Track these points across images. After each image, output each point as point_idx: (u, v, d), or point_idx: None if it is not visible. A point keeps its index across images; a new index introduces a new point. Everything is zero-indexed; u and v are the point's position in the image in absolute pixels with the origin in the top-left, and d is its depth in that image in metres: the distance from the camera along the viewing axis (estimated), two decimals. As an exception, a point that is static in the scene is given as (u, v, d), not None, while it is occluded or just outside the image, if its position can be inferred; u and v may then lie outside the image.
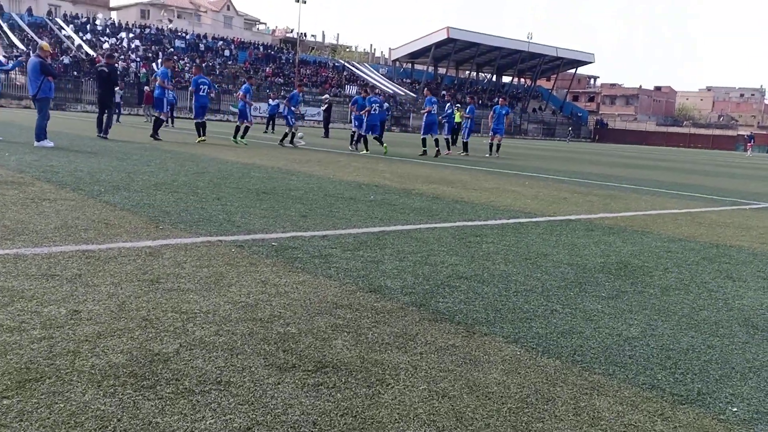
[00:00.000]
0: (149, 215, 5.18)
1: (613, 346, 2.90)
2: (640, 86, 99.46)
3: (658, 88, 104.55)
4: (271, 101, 30.24)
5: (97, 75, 14.92)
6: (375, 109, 17.58)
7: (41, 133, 11.03)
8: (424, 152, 17.76)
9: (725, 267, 4.84)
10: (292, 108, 19.26)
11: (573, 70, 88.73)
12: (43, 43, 11.84)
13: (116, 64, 15.97)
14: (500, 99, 22.50)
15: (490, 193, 9.01)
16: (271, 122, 28.78)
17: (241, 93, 17.63)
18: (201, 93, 16.17)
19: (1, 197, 5.60)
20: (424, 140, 18.05)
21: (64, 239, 4.16)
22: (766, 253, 5.58)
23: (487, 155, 20.38)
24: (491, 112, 21.09)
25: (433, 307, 3.26)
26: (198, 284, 3.37)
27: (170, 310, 2.96)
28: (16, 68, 11.89)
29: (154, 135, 15.49)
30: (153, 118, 16.08)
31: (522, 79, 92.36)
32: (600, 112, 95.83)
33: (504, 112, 20.85)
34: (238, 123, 17.34)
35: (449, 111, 21.44)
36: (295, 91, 18.82)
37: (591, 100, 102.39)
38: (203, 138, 16.01)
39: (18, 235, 4.22)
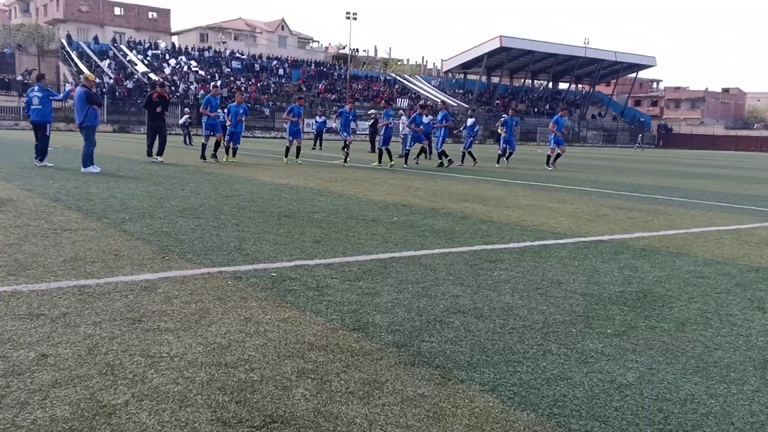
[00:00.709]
0: (162, 244, 5.20)
1: (600, 395, 2.65)
2: (707, 88, 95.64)
3: (726, 90, 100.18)
4: (318, 118, 30.46)
5: (149, 104, 15.06)
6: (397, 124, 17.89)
7: (87, 160, 11.44)
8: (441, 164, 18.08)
9: (759, 295, 4.45)
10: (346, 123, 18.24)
11: (633, 75, 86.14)
12: (88, 74, 12.33)
13: (167, 96, 15.69)
14: (510, 110, 21.92)
15: (524, 210, 8.72)
16: (318, 139, 29.00)
17: (284, 114, 17.60)
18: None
19: (26, 228, 5.76)
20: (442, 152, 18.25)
21: (68, 273, 4.20)
22: (813, 276, 5.12)
23: (497, 165, 20.04)
24: (498, 123, 20.20)
25: (414, 348, 3.08)
26: (179, 323, 3.31)
27: (138, 353, 2.89)
28: (68, 98, 12.41)
29: (213, 155, 16.04)
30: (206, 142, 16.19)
31: (580, 85, 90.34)
32: (664, 117, 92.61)
33: (514, 122, 20.09)
34: (287, 143, 17.37)
35: (470, 124, 21.46)
36: (345, 107, 18.18)
37: (654, 104, 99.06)
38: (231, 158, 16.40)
39: (25, 269, 4.29)
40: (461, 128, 26.07)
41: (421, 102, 21.10)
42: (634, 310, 3.92)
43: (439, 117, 19.74)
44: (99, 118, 12.06)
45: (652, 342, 3.34)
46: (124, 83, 50.32)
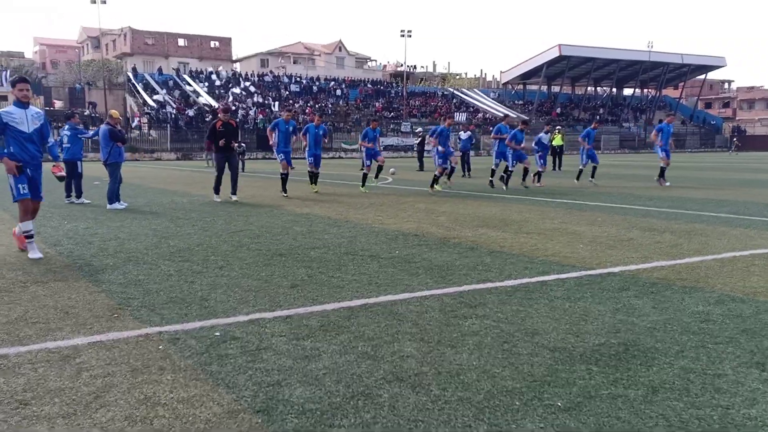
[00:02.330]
0: (123, 297, 4.99)
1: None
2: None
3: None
4: (365, 140, 30.48)
5: (213, 134, 12.69)
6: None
7: (113, 197, 11.59)
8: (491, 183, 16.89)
9: (765, 345, 3.86)
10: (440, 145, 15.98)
11: (702, 77, 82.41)
12: (113, 111, 12.52)
13: (234, 123, 13.15)
14: (594, 122, 20.48)
15: (543, 236, 8.19)
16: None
17: (360, 140, 16.45)
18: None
19: None
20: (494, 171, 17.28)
21: (-2, 338, 4.00)
22: (844, 317, 4.44)
23: (576, 182, 18.36)
24: (509, 138, 16.64)
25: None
26: (67, 406, 3.01)
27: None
28: (96, 136, 12.29)
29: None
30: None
31: (645, 90, 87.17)
32: (737, 119, 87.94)
33: (521, 137, 16.72)
34: (364, 170, 16.04)
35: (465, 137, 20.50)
36: (442, 125, 15.66)
37: (726, 105, 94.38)
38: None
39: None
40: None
41: (525, 118, 19.33)
42: (605, 370, 3.44)
43: (493, 130, 17.93)
44: (123, 155, 12.18)
45: (605, 420, 2.86)
46: (186, 112, 52.16)
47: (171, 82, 59.06)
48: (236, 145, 12.88)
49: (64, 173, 7.81)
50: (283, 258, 6.56)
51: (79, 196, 12.66)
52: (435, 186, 15.24)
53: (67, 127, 12.79)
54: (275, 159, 15.49)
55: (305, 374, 3.37)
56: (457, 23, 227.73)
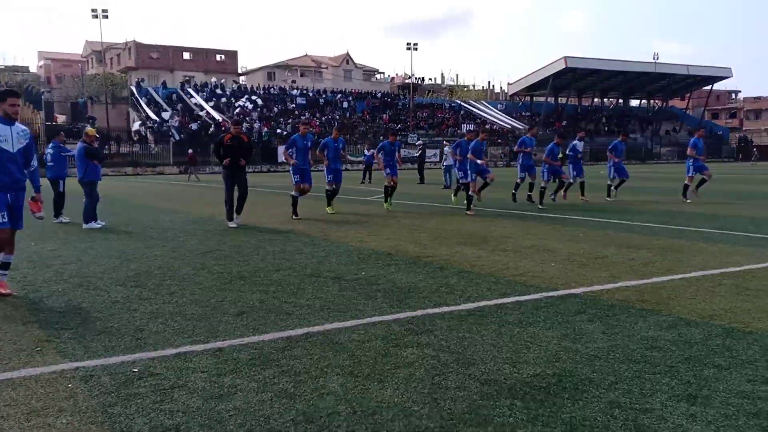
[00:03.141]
0: (55, 328, 4.81)
1: None
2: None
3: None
4: (366, 151, 30.52)
5: (221, 150, 11.26)
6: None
7: (89, 216, 11.41)
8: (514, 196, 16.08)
9: (704, 375, 3.78)
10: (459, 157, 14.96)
11: (708, 87, 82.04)
12: (89, 129, 12.27)
13: (245, 137, 11.73)
14: (622, 134, 19.07)
15: (518, 254, 8.12)
16: (367, 172, 28.98)
17: (375, 153, 15.40)
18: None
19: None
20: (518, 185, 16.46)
21: None
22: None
23: (608, 198, 17.26)
24: (546, 153, 15.71)
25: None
26: None
27: None
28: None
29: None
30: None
31: (652, 101, 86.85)
32: (744, 129, 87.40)
33: (558, 151, 15.76)
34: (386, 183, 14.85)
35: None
36: (463, 139, 15.00)
37: (733, 116, 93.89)
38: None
39: None
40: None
41: (561, 131, 17.69)
42: (529, 405, 3.36)
43: (517, 143, 16.79)
44: (100, 173, 11.98)
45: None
46: (189, 125, 52.42)
47: (175, 96, 59.43)
48: (244, 162, 11.27)
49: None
50: (243, 281, 6.48)
51: (57, 216, 12.31)
52: (470, 209, 13.47)
53: (51, 144, 12.78)
54: (284, 171, 14.89)
55: (210, 416, 3.24)
56: (465, 35, 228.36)
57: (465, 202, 13.83)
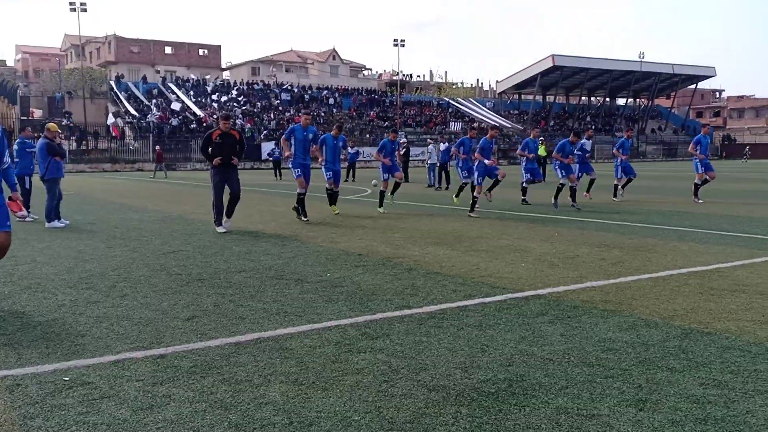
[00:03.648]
0: None
1: None
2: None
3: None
4: (350, 149, 30.33)
5: (210, 146, 10.16)
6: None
7: (51, 215, 11.11)
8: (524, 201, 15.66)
9: (657, 378, 3.70)
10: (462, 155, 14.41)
11: (693, 86, 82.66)
12: (51, 124, 11.84)
13: (237, 134, 10.52)
14: (626, 131, 18.40)
15: (490, 255, 8.03)
16: (351, 171, 28.82)
17: (375, 153, 14.28)
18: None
19: None
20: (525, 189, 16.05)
21: None
22: (742, 347, 4.27)
23: (615, 198, 16.67)
24: (555, 150, 15.07)
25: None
26: None
27: None
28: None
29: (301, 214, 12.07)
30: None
31: (638, 100, 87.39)
32: (727, 127, 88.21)
33: (570, 149, 14.80)
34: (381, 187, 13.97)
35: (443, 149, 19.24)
36: (465, 137, 14.45)
37: (717, 115, 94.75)
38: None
39: None
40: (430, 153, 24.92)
41: (578, 129, 17.24)
42: (474, 412, 3.24)
43: (520, 146, 16.42)
44: (63, 170, 11.62)
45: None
46: (170, 121, 51.89)
47: (156, 91, 58.76)
48: (236, 161, 10.26)
49: (25, 212, 5.95)
50: (200, 284, 6.31)
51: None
52: (473, 211, 12.81)
53: (18, 140, 12.50)
54: (268, 169, 14.00)
55: (135, 429, 3.09)
56: (454, 32, 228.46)
57: (471, 202, 13.08)
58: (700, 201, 15.82)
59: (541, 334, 4.62)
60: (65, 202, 12.52)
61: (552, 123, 76.55)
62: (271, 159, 34.02)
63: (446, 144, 23.53)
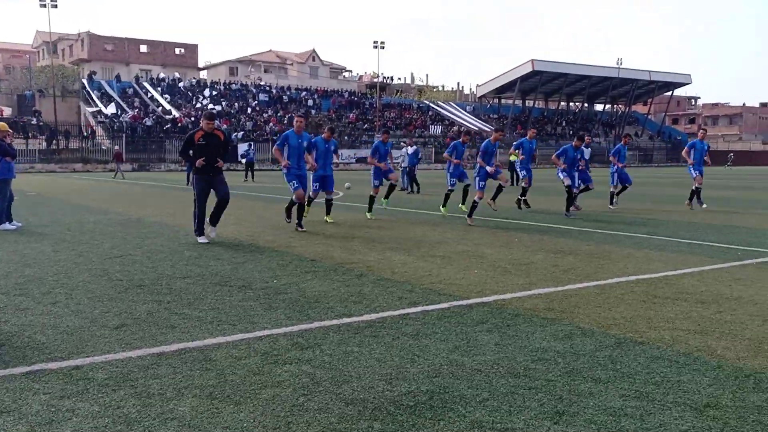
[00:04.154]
0: None
1: None
2: (744, 104, 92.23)
3: (764, 105, 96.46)
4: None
5: (190, 148, 9.42)
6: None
7: (2, 216, 10.80)
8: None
9: (582, 388, 3.65)
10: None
11: (669, 93, 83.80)
12: (1, 124, 11.37)
13: (221, 135, 9.70)
14: (624, 137, 17.35)
15: (445, 260, 7.98)
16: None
17: (369, 157, 13.41)
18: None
19: None
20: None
21: None
22: (671, 357, 4.26)
23: (611, 206, 15.88)
24: (557, 153, 14.24)
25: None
26: None
27: None
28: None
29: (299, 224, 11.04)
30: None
31: (615, 106, 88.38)
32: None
33: (573, 154, 13.90)
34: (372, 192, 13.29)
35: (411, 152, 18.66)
36: (458, 141, 13.71)
37: (692, 121, 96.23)
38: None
39: None
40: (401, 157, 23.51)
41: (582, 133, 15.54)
42: (388, 428, 3.12)
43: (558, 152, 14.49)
44: (13, 171, 11.27)
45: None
46: (143, 120, 51.28)
47: (130, 90, 58.02)
48: (222, 164, 9.49)
49: None
50: (140, 290, 6.15)
51: None
52: (471, 217, 12.25)
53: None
54: (240, 171, 12.22)
55: None
56: (436, 35, 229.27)
57: (470, 207, 12.40)
58: (705, 206, 15.37)
59: (476, 343, 4.57)
60: (23, 204, 12.31)
61: (530, 127, 77.14)
62: (243, 161, 33.80)
63: (414, 147, 23.34)
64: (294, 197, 10.93)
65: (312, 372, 3.96)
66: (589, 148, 15.66)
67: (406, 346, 4.48)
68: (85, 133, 48.49)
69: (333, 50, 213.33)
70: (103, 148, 47.49)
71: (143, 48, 76.34)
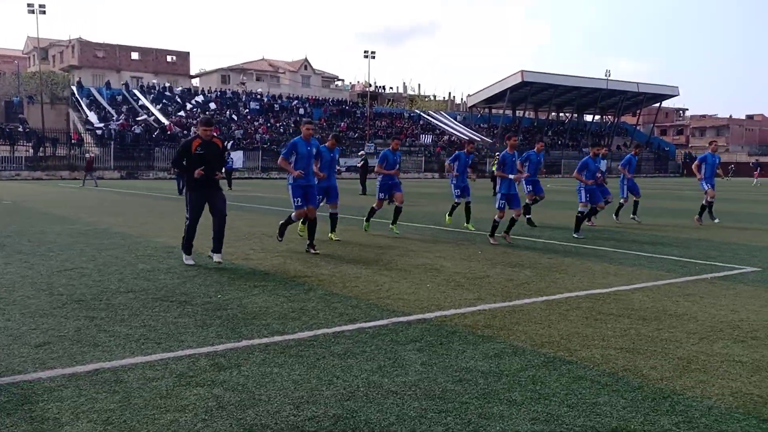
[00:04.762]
0: None
1: None
2: (730, 115, 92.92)
3: (750, 117, 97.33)
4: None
5: (185, 157, 8.26)
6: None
7: None
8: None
9: (494, 411, 3.56)
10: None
11: (658, 105, 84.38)
12: None
13: (219, 143, 8.70)
14: (634, 147, 16.58)
15: (400, 274, 7.88)
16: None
17: (377, 165, 12.27)
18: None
19: None
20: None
21: None
22: (594, 377, 4.18)
23: (636, 219, 15.11)
24: (578, 168, 12.54)
25: None
26: None
27: None
28: None
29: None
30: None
31: (605, 117, 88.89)
32: (690, 145, 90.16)
33: (594, 167, 12.65)
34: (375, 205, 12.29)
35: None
36: (462, 152, 13.38)
37: (680, 133, 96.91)
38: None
39: None
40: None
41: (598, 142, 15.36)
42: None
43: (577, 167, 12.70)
44: None
45: None
46: (132, 128, 51.06)
47: (120, 97, 57.80)
48: (222, 176, 8.54)
49: None
50: (77, 305, 6.01)
51: None
52: (493, 236, 11.12)
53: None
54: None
55: None
56: (428, 45, 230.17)
57: (491, 226, 11.23)
58: (717, 220, 14.69)
59: (402, 362, 4.48)
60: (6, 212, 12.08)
61: (521, 137, 77.36)
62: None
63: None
64: (293, 215, 9.91)
65: (221, 395, 3.85)
66: (605, 160, 14.12)
67: (328, 367, 4.39)
68: (72, 141, 48.16)
69: (326, 60, 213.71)
70: (91, 155, 47.20)
71: (134, 55, 76.08)
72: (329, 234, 11.12)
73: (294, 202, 9.73)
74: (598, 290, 7.01)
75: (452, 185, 13.28)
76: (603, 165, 13.69)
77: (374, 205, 12.21)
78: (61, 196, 24.74)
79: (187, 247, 8.57)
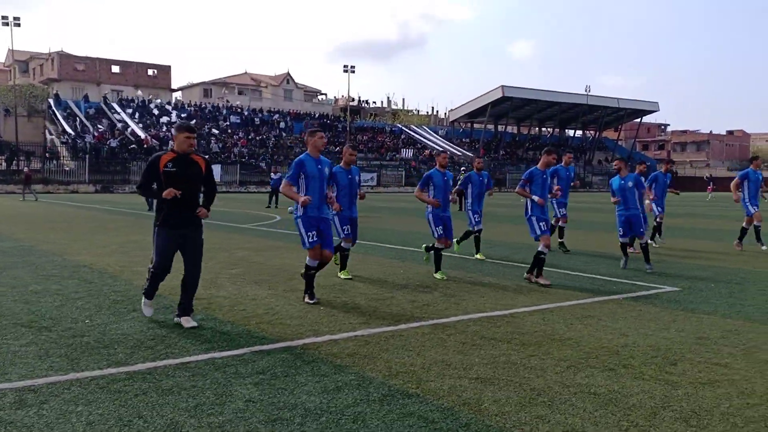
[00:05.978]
0: None
1: None
2: (711, 131, 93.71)
3: (730, 132, 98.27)
4: (273, 174, 29.72)
5: (154, 178, 6.02)
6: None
7: None
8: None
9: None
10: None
11: (639, 120, 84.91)
12: None
13: (201, 161, 6.14)
14: (665, 163, 14.96)
15: (323, 293, 7.46)
16: (273, 197, 27.95)
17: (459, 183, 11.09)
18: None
19: None
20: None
21: None
22: (426, 413, 3.80)
23: (655, 244, 13.26)
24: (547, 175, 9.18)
25: None
26: None
27: None
28: None
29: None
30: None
31: (587, 132, 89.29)
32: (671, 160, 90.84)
33: (568, 173, 12.17)
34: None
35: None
36: (472, 171, 11.61)
37: (661, 148, 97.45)
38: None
39: None
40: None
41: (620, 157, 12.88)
42: None
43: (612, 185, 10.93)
44: None
45: None
46: (108, 141, 50.53)
47: (92, 111, 57.11)
48: (204, 212, 6.10)
49: None
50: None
51: None
52: (539, 274, 8.55)
53: None
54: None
55: None
56: (411, 60, 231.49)
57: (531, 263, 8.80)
58: (765, 247, 12.78)
59: (225, 399, 4.07)
60: None
61: (502, 152, 77.43)
62: None
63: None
64: (307, 259, 7.28)
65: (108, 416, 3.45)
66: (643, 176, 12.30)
67: (140, 404, 3.96)
68: (47, 154, 47.59)
69: (309, 74, 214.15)
70: (66, 169, 46.64)
71: (115, 68, 75.58)
72: (339, 273, 8.89)
73: (306, 238, 7.18)
74: (497, 312, 6.65)
75: (468, 211, 11.40)
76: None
77: (437, 244, 9.13)
78: (18, 211, 24.18)
79: (149, 292, 6.33)
